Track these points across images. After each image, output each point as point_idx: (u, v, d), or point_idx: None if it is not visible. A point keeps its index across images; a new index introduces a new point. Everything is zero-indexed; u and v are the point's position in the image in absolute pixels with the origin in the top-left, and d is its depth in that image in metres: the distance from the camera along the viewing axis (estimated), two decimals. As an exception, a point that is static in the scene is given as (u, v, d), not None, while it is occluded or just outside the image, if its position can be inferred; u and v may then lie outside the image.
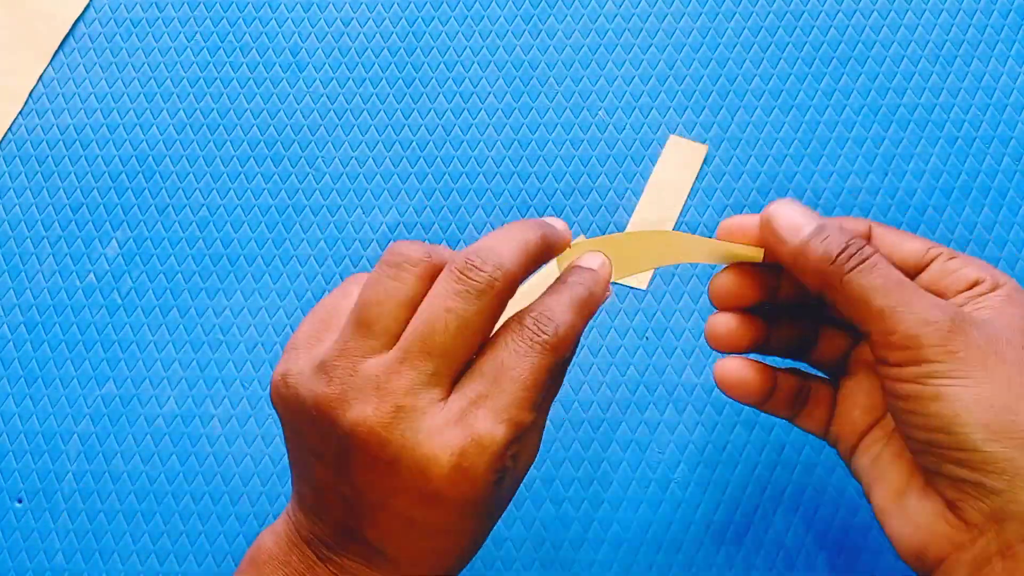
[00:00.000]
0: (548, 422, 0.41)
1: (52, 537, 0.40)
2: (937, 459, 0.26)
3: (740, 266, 0.31)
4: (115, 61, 0.47)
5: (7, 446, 0.41)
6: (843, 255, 0.27)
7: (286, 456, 0.38)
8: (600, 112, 0.45)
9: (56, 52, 0.48)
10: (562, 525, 0.39)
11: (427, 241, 0.43)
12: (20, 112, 0.47)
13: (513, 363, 0.26)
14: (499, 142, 0.45)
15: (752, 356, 0.32)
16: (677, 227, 0.43)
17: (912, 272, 0.29)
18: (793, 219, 0.28)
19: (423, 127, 0.45)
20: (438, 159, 0.45)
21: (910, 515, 0.27)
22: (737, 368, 0.31)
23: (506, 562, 0.39)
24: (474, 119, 0.45)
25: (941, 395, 0.25)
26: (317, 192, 0.44)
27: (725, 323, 0.31)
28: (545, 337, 0.26)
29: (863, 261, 0.27)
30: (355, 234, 0.44)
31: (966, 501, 0.26)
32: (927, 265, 0.29)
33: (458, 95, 0.46)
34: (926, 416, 0.26)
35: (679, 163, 0.43)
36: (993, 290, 0.28)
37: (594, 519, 0.39)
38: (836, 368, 0.32)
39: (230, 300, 0.43)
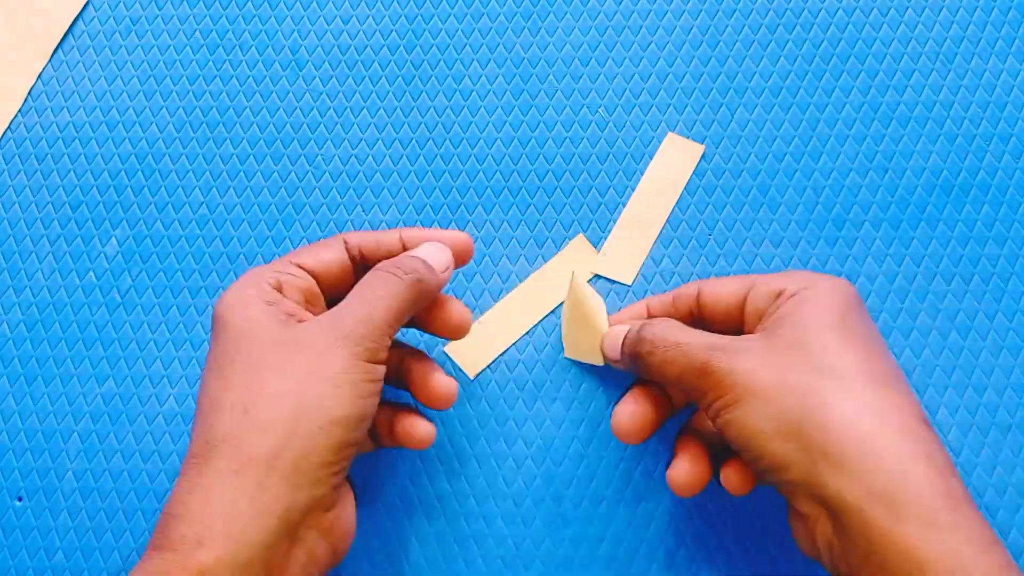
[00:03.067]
0: (548, 420, 0.41)
1: (52, 535, 0.40)
2: (761, 474, 0.30)
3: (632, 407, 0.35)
4: (114, 59, 0.47)
5: (7, 444, 0.41)
6: (633, 344, 0.33)
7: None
8: (600, 110, 0.45)
9: (55, 50, 0.48)
10: (563, 522, 0.39)
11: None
12: (19, 110, 0.47)
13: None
14: (499, 140, 0.45)
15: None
16: (670, 222, 0.43)
17: (740, 307, 0.33)
18: (611, 342, 0.36)
19: (423, 125, 0.45)
20: (438, 157, 0.45)
21: (792, 527, 0.31)
22: (627, 409, 0.35)
23: (506, 560, 0.39)
24: (474, 117, 0.45)
25: (729, 423, 0.29)
26: (317, 190, 0.44)
27: (629, 414, 0.35)
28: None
29: (652, 341, 0.32)
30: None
31: (795, 499, 0.29)
32: (746, 296, 0.33)
33: (458, 93, 0.46)
34: (732, 441, 0.30)
35: (675, 161, 0.43)
36: (791, 297, 0.31)
37: (595, 516, 0.39)
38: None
39: (230, 298, 0.43)
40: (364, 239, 0.34)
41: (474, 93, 0.45)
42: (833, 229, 0.42)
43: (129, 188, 0.45)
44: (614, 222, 0.43)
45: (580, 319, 0.39)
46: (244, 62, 0.47)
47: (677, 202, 0.43)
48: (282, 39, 0.47)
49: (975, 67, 0.45)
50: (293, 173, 0.45)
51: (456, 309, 0.35)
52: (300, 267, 0.33)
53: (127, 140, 0.46)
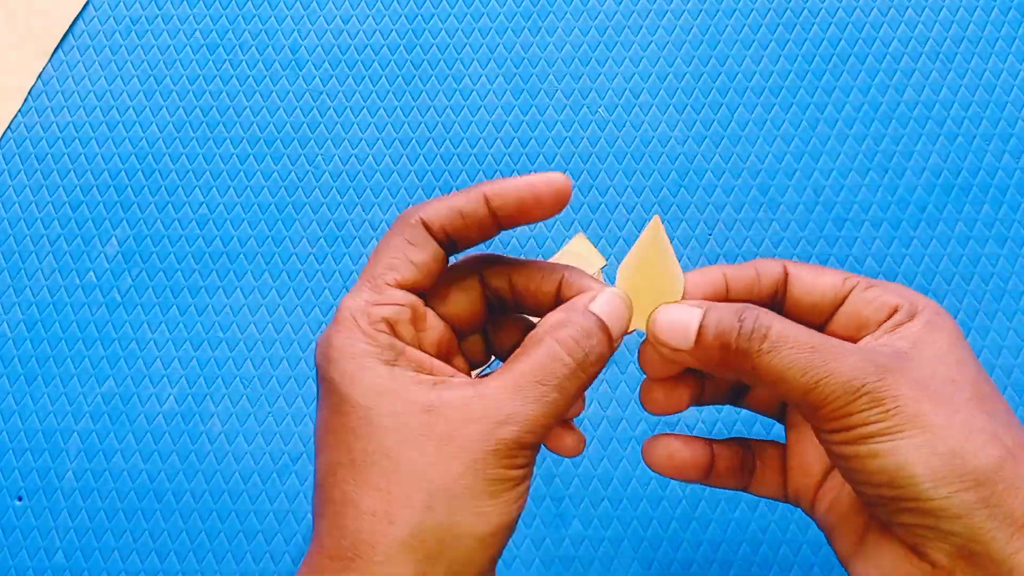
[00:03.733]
0: (548, 419, 0.41)
1: (52, 535, 0.40)
2: (889, 511, 0.25)
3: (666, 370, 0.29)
4: (114, 59, 0.47)
5: (7, 444, 0.41)
6: (741, 335, 0.25)
7: (285, 454, 0.38)
8: (600, 110, 0.45)
9: (55, 50, 0.48)
10: (562, 523, 0.39)
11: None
12: (20, 110, 0.47)
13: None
14: (499, 139, 0.45)
15: (685, 432, 0.31)
16: (670, 222, 0.43)
17: (833, 305, 0.28)
18: (676, 322, 0.27)
19: (423, 124, 0.45)
20: (438, 156, 0.45)
21: (873, 559, 0.27)
22: (667, 448, 0.30)
23: (506, 560, 0.39)
24: (474, 116, 0.45)
25: (879, 452, 0.24)
26: (317, 190, 0.44)
27: (661, 388, 0.30)
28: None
29: (764, 336, 0.25)
30: (355, 232, 0.44)
31: (928, 545, 0.25)
32: (845, 297, 0.28)
33: (458, 92, 0.46)
34: (870, 473, 0.25)
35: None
36: (912, 317, 0.27)
37: (594, 516, 0.39)
38: (776, 412, 0.32)
39: (230, 298, 0.43)
40: (444, 216, 0.27)
41: (474, 93, 0.45)
42: (833, 229, 0.42)
43: (129, 188, 0.45)
44: (614, 223, 0.43)
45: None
46: (244, 62, 0.47)
47: (677, 202, 0.43)
48: (282, 39, 0.47)
49: (975, 67, 0.45)
50: (293, 173, 0.45)
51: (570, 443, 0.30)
52: (398, 286, 0.27)
53: (127, 140, 0.46)
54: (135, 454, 0.41)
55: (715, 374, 0.28)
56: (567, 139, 0.44)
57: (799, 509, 0.39)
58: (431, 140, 0.45)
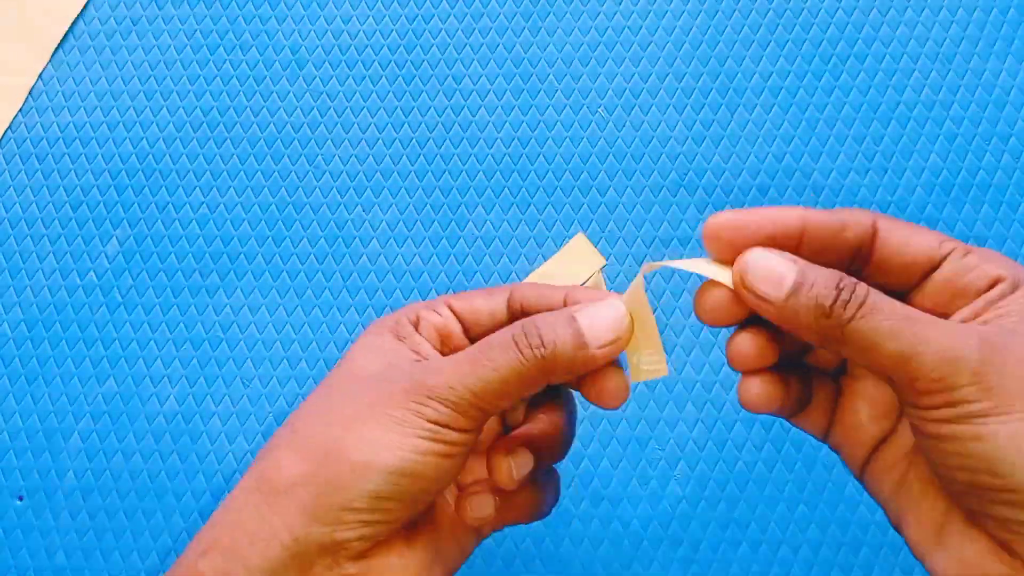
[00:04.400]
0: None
1: (53, 534, 0.40)
2: (983, 500, 0.23)
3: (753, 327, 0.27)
4: (115, 59, 0.47)
5: (8, 443, 0.41)
6: (837, 304, 0.24)
7: None
8: (600, 110, 0.45)
9: (56, 50, 0.48)
10: (562, 522, 0.39)
11: (427, 239, 0.43)
12: (20, 110, 0.47)
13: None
14: (499, 139, 0.45)
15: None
16: (670, 222, 0.43)
17: (925, 270, 0.26)
18: (770, 272, 0.25)
19: (423, 124, 0.45)
20: (438, 156, 0.45)
21: (955, 553, 0.25)
22: (763, 391, 0.27)
23: (506, 559, 0.39)
24: (474, 116, 0.45)
25: (981, 435, 0.22)
26: (317, 190, 0.44)
27: (746, 343, 0.27)
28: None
29: (860, 305, 0.23)
30: (355, 231, 0.44)
31: (1022, 542, 0.23)
32: (941, 262, 0.26)
33: (458, 92, 0.46)
34: (967, 457, 0.23)
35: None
36: (1015, 290, 0.24)
37: (594, 516, 0.39)
38: (835, 372, 0.29)
39: (230, 298, 0.43)
40: (528, 294, 0.29)
41: (474, 93, 0.45)
42: (833, 229, 0.42)
43: (129, 188, 0.45)
44: (614, 223, 0.43)
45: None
46: (244, 62, 0.47)
47: (676, 201, 0.43)
48: (282, 39, 0.47)
49: (975, 66, 0.45)
50: (293, 173, 0.45)
51: (611, 386, 0.27)
52: (449, 307, 0.30)
53: (127, 140, 0.46)
54: (135, 454, 0.41)
55: (794, 333, 0.25)
56: (567, 139, 0.44)
57: (799, 509, 0.39)
58: (431, 140, 0.45)
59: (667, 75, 0.45)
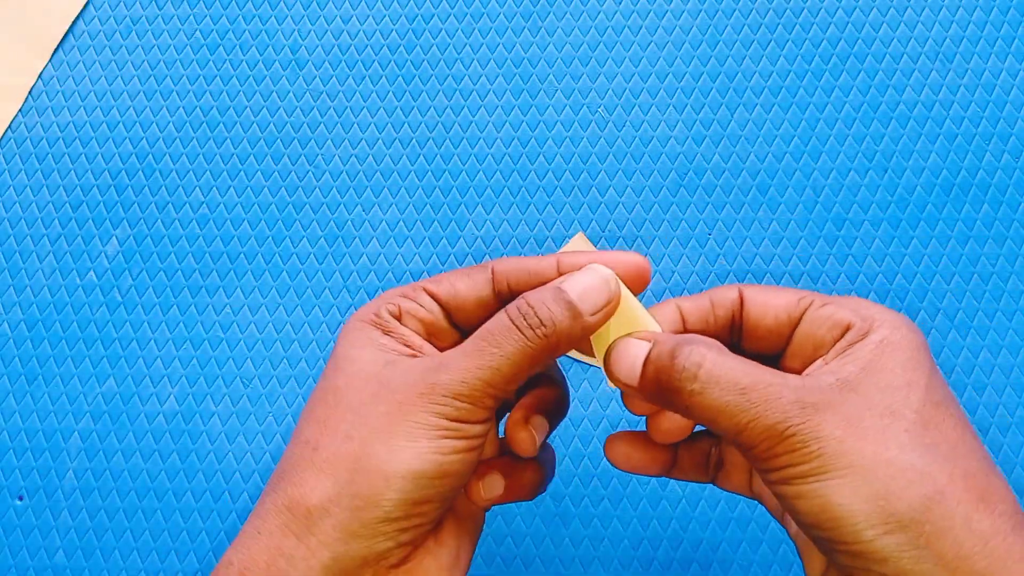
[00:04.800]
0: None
1: (53, 534, 0.40)
2: (826, 550, 0.25)
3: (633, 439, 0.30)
4: (115, 59, 0.47)
5: (8, 443, 0.41)
6: (673, 376, 0.25)
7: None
8: (600, 110, 0.45)
9: (56, 50, 0.48)
10: (562, 522, 0.39)
11: (427, 239, 0.43)
12: (20, 110, 0.47)
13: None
14: (499, 139, 0.45)
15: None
16: (670, 222, 0.43)
17: (789, 328, 0.27)
18: (623, 357, 0.27)
19: (423, 124, 0.45)
20: (438, 156, 0.45)
21: None
22: (626, 447, 0.29)
23: (506, 559, 0.39)
24: (474, 116, 0.45)
25: (803, 494, 0.24)
26: (317, 190, 0.44)
27: (629, 444, 0.30)
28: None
29: (695, 378, 0.25)
30: (355, 231, 0.44)
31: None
32: (800, 317, 0.27)
33: (458, 92, 0.46)
34: (800, 514, 0.24)
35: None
36: (864, 336, 0.25)
37: (594, 516, 0.39)
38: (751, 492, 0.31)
39: (230, 298, 0.43)
40: (513, 268, 0.29)
41: (474, 93, 0.45)
42: (833, 229, 0.42)
43: (129, 188, 0.45)
44: (614, 223, 0.43)
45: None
46: (244, 62, 0.47)
47: (676, 201, 0.43)
48: (282, 39, 0.47)
49: (975, 66, 0.45)
50: (293, 173, 0.45)
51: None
52: (431, 295, 0.29)
53: (127, 139, 0.46)
54: (135, 454, 0.41)
55: (666, 409, 0.27)
56: (567, 139, 0.44)
57: None
58: (431, 140, 0.45)
59: (667, 75, 0.45)
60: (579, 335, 0.27)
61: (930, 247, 0.42)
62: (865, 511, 0.23)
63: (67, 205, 0.45)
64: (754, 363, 0.25)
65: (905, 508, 0.23)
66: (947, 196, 0.43)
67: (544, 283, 0.28)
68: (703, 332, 0.28)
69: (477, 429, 0.26)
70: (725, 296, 0.28)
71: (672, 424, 0.29)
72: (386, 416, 0.26)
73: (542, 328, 0.26)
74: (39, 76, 0.47)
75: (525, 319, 0.26)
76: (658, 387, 0.26)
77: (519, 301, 0.27)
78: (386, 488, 0.25)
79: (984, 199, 0.43)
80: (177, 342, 0.42)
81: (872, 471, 0.23)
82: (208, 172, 0.45)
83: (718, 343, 0.26)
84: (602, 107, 0.45)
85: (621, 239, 0.43)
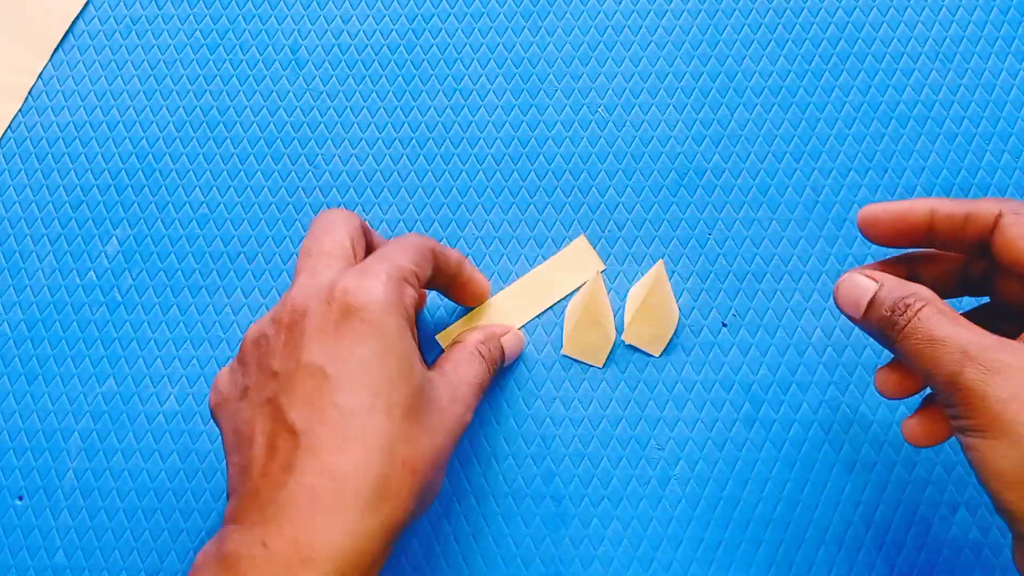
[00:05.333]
0: (548, 419, 0.41)
1: (53, 534, 0.40)
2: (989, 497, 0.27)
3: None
4: (115, 59, 0.47)
5: (8, 443, 0.41)
6: (893, 320, 0.28)
7: None
8: (600, 109, 0.45)
9: (56, 49, 0.48)
10: (561, 522, 0.39)
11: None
12: (20, 110, 0.47)
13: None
14: (499, 139, 0.45)
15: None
16: (670, 222, 0.43)
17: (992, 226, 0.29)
18: (850, 294, 0.30)
19: (423, 125, 0.45)
20: (438, 156, 0.45)
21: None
22: (922, 431, 0.31)
23: (506, 559, 0.39)
24: (474, 116, 0.45)
25: (969, 446, 0.26)
26: (317, 189, 0.44)
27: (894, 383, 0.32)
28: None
29: (903, 327, 0.28)
30: (355, 232, 0.44)
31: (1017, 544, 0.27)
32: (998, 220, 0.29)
33: (458, 92, 0.46)
34: (969, 462, 0.27)
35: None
36: None
37: (594, 516, 0.39)
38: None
39: (230, 297, 0.43)
40: (441, 257, 0.35)
41: (474, 93, 0.45)
42: (833, 229, 0.42)
43: (129, 188, 0.45)
44: (614, 223, 0.43)
45: (591, 319, 0.39)
46: (244, 62, 0.47)
47: (676, 201, 0.43)
48: (282, 39, 0.47)
49: (975, 66, 0.45)
50: (293, 173, 0.45)
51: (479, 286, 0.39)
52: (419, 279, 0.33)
53: (127, 139, 0.46)
54: (135, 454, 0.41)
55: (878, 341, 0.30)
56: (567, 139, 0.44)
57: (798, 509, 0.39)
58: (431, 140, 0.45)
59: (667, 75, 0.45)
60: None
61: (930, 247, 0.42)
62: (1010, 473, 0.25)
63: (67, 205, 0.45)
64: (962, 322, 0.27)
65: None
66: (947, 195, 0.43)
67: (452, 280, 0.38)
68: (953, 239, 0.30)
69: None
70: (983, 211, 0.29)
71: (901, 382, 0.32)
72: (441, 430, 0.32)
73: (495, 365, 0.38)
74: (39, 76, 0.47)
75: (487, 358, 0.37)
76: (876, 326, 0.29)
77: (480, 347, 0.37)
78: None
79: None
80: (177, 342, 0.42)
81: (1022, 438, 0.25)
82: (208, 172, 0.45)
83: (932, 294, 0.28)
84: (602, 107, 0.45)
85: (621, 239, 0.43)
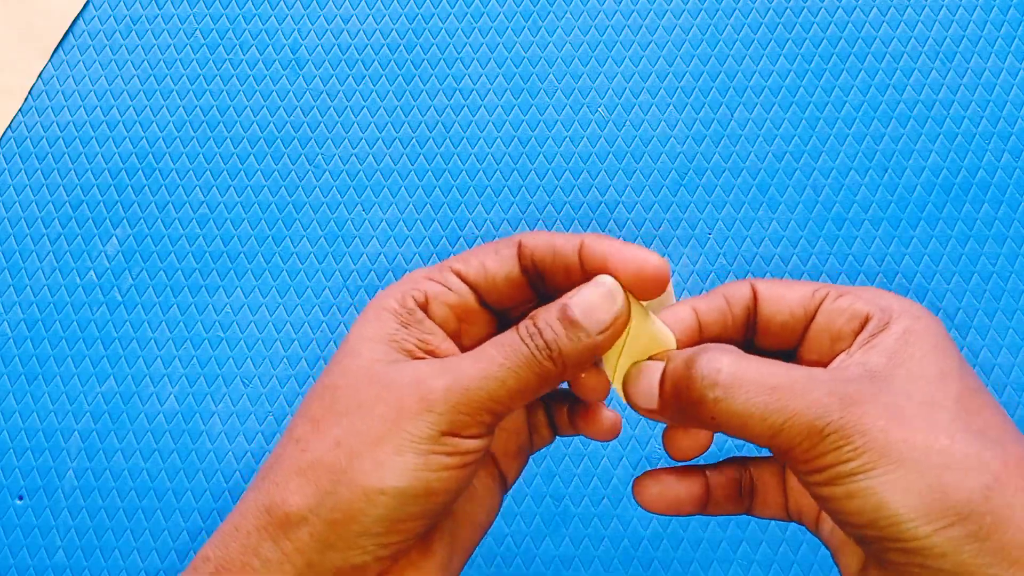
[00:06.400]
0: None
1: (53, 534, 0.40)
2: (877, 550, 0.24)
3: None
4: (115, 58, 0.47)
5: (8, 443, 0.41)
6: (692, 387, 0.24)
7: None
8: (600, 109, 0.45)
9: (56, 49, 0.48)
10: (562, 521, 0.39)
11: (427, 239, 0.43)
12: (20, 109, 0.47)
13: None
14: (499, 139, 0.45)
15: (680, 464, 0.29)
16: (670, 222, 0.43)
17: (804, 322, 0.26)
18: (641, 381, 0.26)
19: (423, 124, 0.45)
20: (438, 156, 0.45)
21: None
22: (658, 485, 0.28)
23: (506, 559, 0.39)
24: (474, 116, 0.45)
25: (853, 493, 0.23)
26: (317, 189, 0.44)
27: (658, 494, 0.28)
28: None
29: (716, 384, 0.24)
30: (355, 231, 0.44)
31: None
32: (816, 310, 0.26)
33: (458, 92, 0.46)
34: (849, 514, 0.23)
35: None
36: (885, 327, 0.25)
37: (594, 516, 0.39)
38: (787, 515, 0.30)
39: (230, 297, 0.43)
40: (540, 244, 0.27)
41: (475, 92, 0.45)
42: (833, 229, 0.42)
43: (129, 187, 0.45)
44: (614, 221, 0.43)
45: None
46: (244, 62, 0.47)
47: (677, 201, 0.43)
48: (282, 39, 0.47)
49: (975, 66, 0.45)
50: (293, 172, 0.45)
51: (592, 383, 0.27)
52: (460, 275, 0.27)
53: (127, 139, 0.46)
54: (135, 454, 0.41)
55: (691, 428, 0.27)
56: (567, 139, 0.44)
57: None
58: (431, 140, 0.45)
59: (667, 75, 0.45)
60: (588, 356, 0.25)
61: (930, 246, 0.42)
62: (921, 505, 0.22)
63: (67, 205, 0.45)
64: (776, 361, 0.24)
65: (964, 499, 0.22)
66: (947, 196, 0.43)
67: (566, 266, 0.26)
68: (722, 333, 0.27)
69: (471, 445, 0.25)
70: (739, 292, 0.27)
71: (690, 440, 0.28)
72: (379, 422, 0.25)
73: (547, 350, 0.25)
74: (39, 76, 0.47)
75: (531, 339, 0.25)
76: (679, 403, 0.25)
77: (527, 320, 0.26)
78: (367, 505, 0.24)
79: (984, 198, 0.43)
80: (177, 342, 0.42)
81: (924, 462, 0.22)
82: (208, 172, 0.45)
83: (733, 347, 0.25)
84: (602, 107, 0.45)
85: (621, 238, 0.43)
